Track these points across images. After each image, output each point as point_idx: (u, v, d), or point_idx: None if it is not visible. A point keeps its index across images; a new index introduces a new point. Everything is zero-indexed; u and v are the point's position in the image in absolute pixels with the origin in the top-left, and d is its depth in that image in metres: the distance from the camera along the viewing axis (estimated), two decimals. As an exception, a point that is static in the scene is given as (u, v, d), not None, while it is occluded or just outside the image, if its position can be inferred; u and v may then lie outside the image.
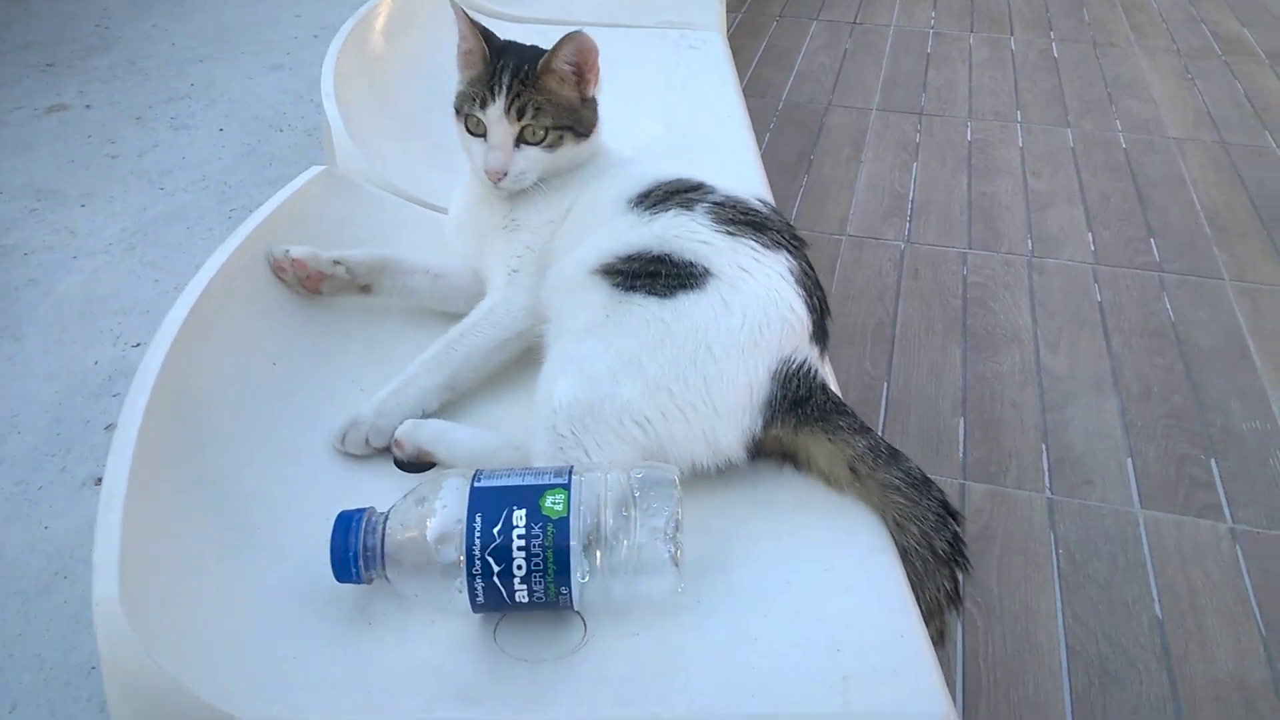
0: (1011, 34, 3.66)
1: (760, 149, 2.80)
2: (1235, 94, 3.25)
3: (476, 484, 0.84)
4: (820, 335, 1.06)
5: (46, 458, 1.55)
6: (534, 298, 1.13)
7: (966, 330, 2.14)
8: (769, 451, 1.01)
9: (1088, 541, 1.64)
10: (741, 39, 3.51)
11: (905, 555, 0.93)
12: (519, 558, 0.81)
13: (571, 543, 0.81)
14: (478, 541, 0.81)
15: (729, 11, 3.06)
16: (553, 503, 0.83)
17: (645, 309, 1.00)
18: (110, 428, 1.58)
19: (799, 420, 1.00)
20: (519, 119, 1.12)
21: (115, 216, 2.08)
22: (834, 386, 1.07)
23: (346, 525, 0.84)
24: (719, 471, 0.99)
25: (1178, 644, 1.47)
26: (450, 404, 1.10)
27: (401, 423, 1.04)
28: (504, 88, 1.12)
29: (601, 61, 1.18)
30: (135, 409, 0.88)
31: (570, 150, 1.16)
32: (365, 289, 1.18)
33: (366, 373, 1.13)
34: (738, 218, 1.08)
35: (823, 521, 0.96)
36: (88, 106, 2.51)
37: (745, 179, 1.50)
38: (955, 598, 0.94)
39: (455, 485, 0.85)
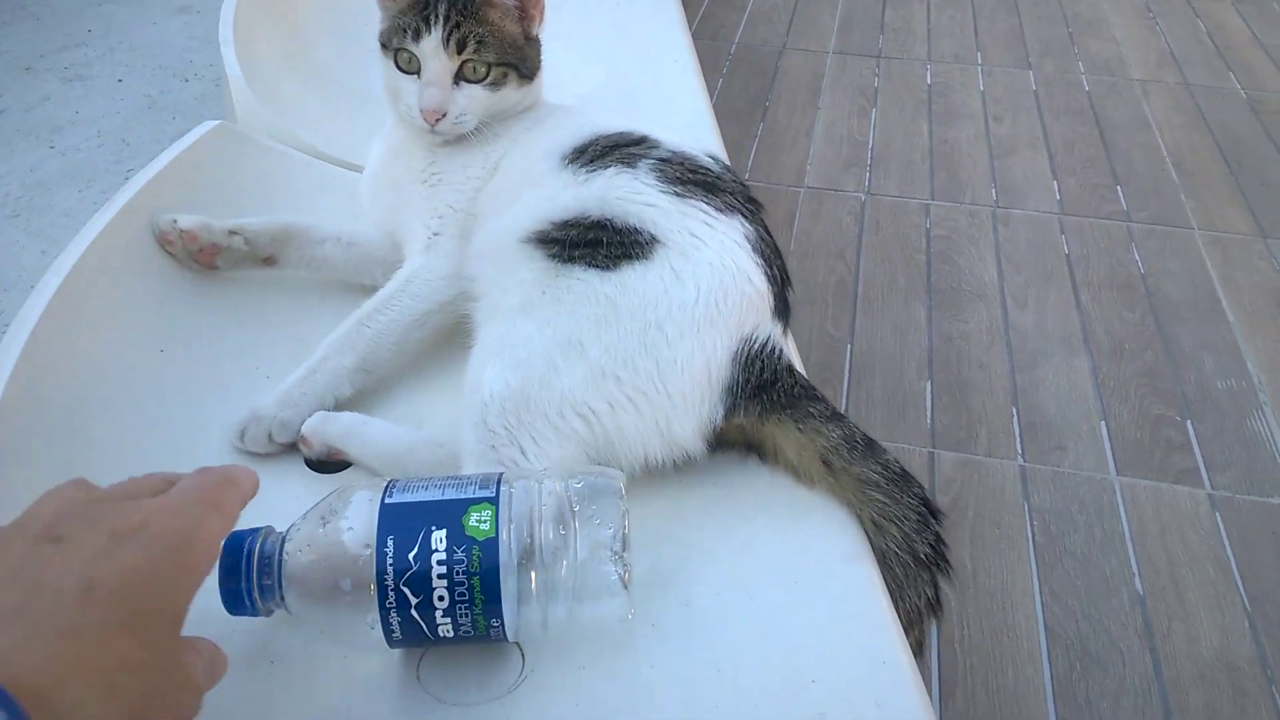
0: (969, -28, 3.53)
1: (712, 97, 2.66)
2: (1197, 33, 3.16)
3: (388, 499, 0.71)
4: (782, 310, 0.94)
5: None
6: (458, 264, 0.99)
7: (931, 287, 2.04)
8: (731, 442, 0.90)
9: (1063, 512, 1.55)
10: (690, -22, 3.34)
11: (883, 560, 0.82)
12: (440, 587, 0.68)
13: (501, 567, 0.68)
14: (390, 570, 0.68)
15: (677, -51, 2.89)
16: (478, 520, 0.69)
17: (586, 283, 0.86)
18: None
19: (764, 407, 0.88)
20: (459, 52, 0.98)
21: None
22: (799, 365, 0.95)
23: (237, 549, 0.71)
24: (675, 467, 0.87)
25: (1160, 621, 1.40)
26: (368, 391, 0.96)
27: (310, 415, 0.91)
28: (440, 17, 0.98)
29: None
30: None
31: (513, 93, 1.03)
32: (268, 261, 1.04)
33: (272, 358, 0.99)
34: (687, 176, 0.95)
35: (790, 525, 0.84)
36: None
37: (695, 131, 1.36)
38: (936, 605, 0.84)
39: (364, 500, 0.71)
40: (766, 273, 0.92)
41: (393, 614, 0.68)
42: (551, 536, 0.70)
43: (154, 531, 0.53)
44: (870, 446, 0.87)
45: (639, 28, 1.70)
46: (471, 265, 0.99)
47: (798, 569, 0.80)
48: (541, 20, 1.06)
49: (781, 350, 0.91)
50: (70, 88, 2.14)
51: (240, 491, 0.62)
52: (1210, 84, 2.86)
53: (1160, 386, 1.81)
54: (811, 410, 0.88)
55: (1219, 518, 1.55)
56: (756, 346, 0.88)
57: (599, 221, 0.89)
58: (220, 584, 0.70)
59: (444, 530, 0.69)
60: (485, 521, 0.69)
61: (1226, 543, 1.51)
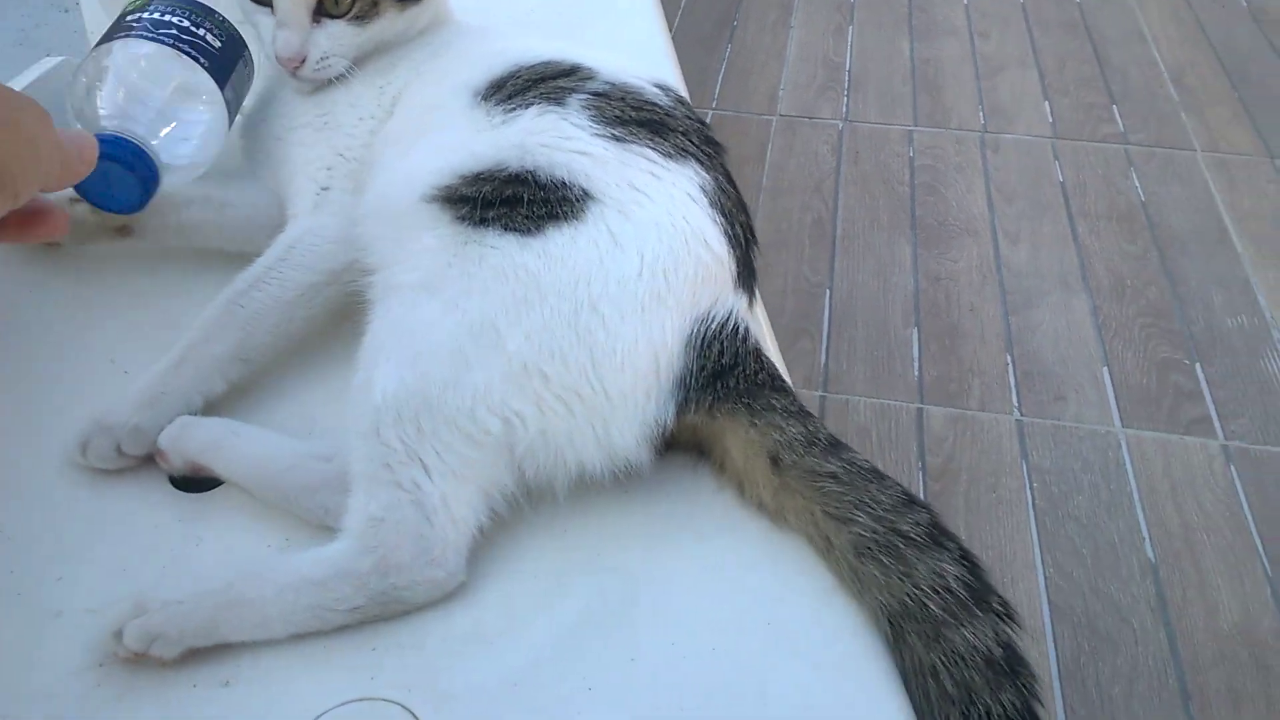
0: (949, -125, 3.29)
1: (674, 19, 2.45)
2: (1193, -63, 2.95)
3: None
4: (746, 278, 0.77)
5: None
6: (350, 224, 0.81)
7: (916, 222, 1.87)
8: (681, 442, 0.74)
9: (1065, 471, 1.42)
10: (650, -112, 3.08)
11: (859, 552, 0.65)
12: None
13: None
14: None
15: None
16: None
17: (502, 252, 0.69)
18: None
19: (717, 396, 0.71)
20: None
21: None
22: (771, 348, 0.79)
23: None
24: (615, 478, 0.71)
25: (1174, 592, 1.27)
26: (246, 387, 0.79)
27: (172, 420, 0.74)
28: None
29: None
30: None
31: (391, 22, 0.85)
32: (122, 231, 0.86)
33: (130, 351, 0.82)
34: (628, 115, 0.77)
35: (759, 549, 0.69)
36: None
37: (647, 55, 1.18)
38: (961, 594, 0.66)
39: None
40: (727, 232, 0.75)
41: None
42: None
43: None
44: (835, 445, 0.71)
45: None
46: (364, 229, 0.81)
47: (770, 607, 0.65)
48: None
49: (746, 329, 0.74)
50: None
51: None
52: (1209, -8, 2.67)
53: (1166, 327, 1.66)
54: (774, 402, 0.72)
55: (1234, 471, 1.42)
56: (714, 326, 0.72)
57: (518, 175, 0.72)
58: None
59: None
60: None
61: (1244, 500, 1.38)
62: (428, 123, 0.81)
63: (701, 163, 0.77)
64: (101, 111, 0.71)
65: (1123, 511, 1.36)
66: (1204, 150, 2.07)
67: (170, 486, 0.74)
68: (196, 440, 0.73)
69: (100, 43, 0.75)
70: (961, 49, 2.40)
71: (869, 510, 0.66)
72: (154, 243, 0.86)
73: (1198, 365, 1.59)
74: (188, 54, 0.75)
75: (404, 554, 0.65)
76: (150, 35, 0.74)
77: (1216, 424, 1.49)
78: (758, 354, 0.75)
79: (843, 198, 1.93)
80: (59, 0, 1.92)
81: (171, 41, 0.75)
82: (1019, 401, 1.52)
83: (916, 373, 1.57)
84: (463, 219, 0.71)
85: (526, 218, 0.70)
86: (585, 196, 0.71)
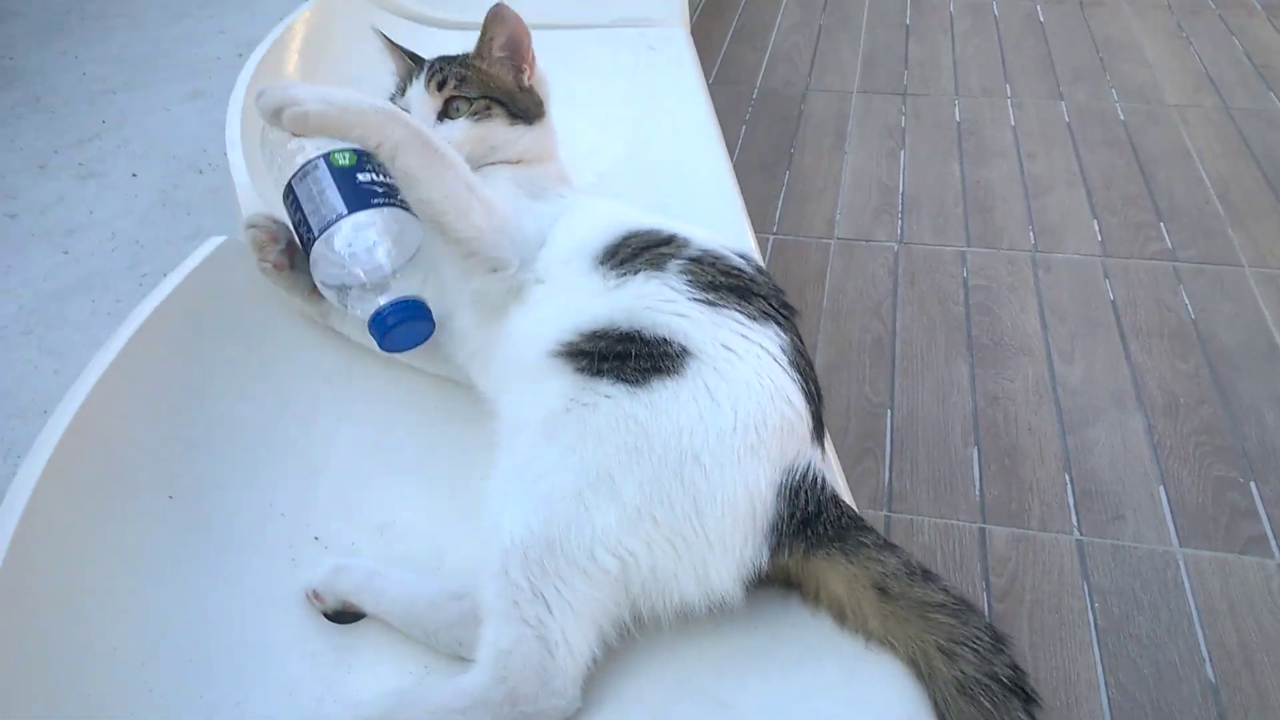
0: (993, -2, 3.46)
1: (735, 146, 2.61)
2: (1233, 51, 3.06)
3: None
4: (819, 431, 0.88)
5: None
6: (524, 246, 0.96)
7: (972, 342, 1.96)
8: (770, 578, 0.83)
9: (1125, 591, 1.47)
10: (709, 21, 3.30)
11: (963, 690, 0.74)
12: None
13: None
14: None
15: (693, -9, 2.86)
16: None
17: (615, 402, 0.81)
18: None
19: (809, 543, 0.82)
20: (439, 90, 1.02)
21: (12, 292, 1.85)
22: (844, 492, 0.89)
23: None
24: (709, 613, 0.80)
25: (1236, 714, 1.31)
26: (383, 525, 0.92)
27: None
28: (427, 67, 1.05)
29: (551, 69, 1.11)
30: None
31: (504, 128, 1.04)
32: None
33: (292, 497, 0.94)
34: (719, 281, 0.90)
35: (842, 679, 0.78)
36: None
37: (719, 208, 1.32)
38: None
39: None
40: (804, 389, 0.86)
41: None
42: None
43: None
44: (927, 573, 0.81)
45: (657, 94, 1.65)
46: (494, 377, 0.94)
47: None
48: (533, 71, 1.08)
49: (824, 478, 0.85)
50: (84, 185, 2.11)
51: None
52: (1250, 106, 2.77)
53: (1220, 444, 1.72)
54: (863, 540, 0.83)
55: (1292, 591, 1.46)
56: (799, 476, 0.83)
57: (628, 333, 0.85)
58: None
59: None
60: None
61: (1303, 621, 1.42)
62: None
63: (780, 325, 0.89)
64: (361, 275, 0.90)
65: (1182, 632, 1.41)
66: (1251, 266, 2.14)
67: (324, 620, 0.85)
68: (348, 583, 0.85)
69: (305, 219, 0.91)
70: (1010, 170, 2.52)
71: (972, 647, 0.75)
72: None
73: (1252, 483, 1.64)
74: (388, 204, 0.91)
75: (530, 685, 0.75)
76: (362, 205, 0.90)
77: (1273, 543, 1.54)
78: (835, 499, 0.85)
79: (900, 319, 2.03)
80: (193, 162, 2.14)
81: (381, 202, 0.90)
82: (1078, 521, 1.58)
83: (978, 492, 1.64)
84: (582, 370, 0.84)
85: (635, 370, 0.82)
86: (684, 353, 0.82)
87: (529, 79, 1.08)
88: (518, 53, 1.07)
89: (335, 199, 0.88)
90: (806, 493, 0.82)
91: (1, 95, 2.46)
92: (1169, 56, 3.04)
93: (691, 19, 1.91)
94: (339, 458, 0.99)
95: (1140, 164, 2.52)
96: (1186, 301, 2.05)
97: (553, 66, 1.13)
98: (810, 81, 2.96)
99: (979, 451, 1.72)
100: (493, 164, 1.03)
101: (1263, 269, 2.14)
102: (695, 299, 0.87)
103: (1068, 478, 1.66)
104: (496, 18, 1.04)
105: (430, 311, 0.91)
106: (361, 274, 0.89)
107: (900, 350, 1.95)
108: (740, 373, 0.83)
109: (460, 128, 1.01)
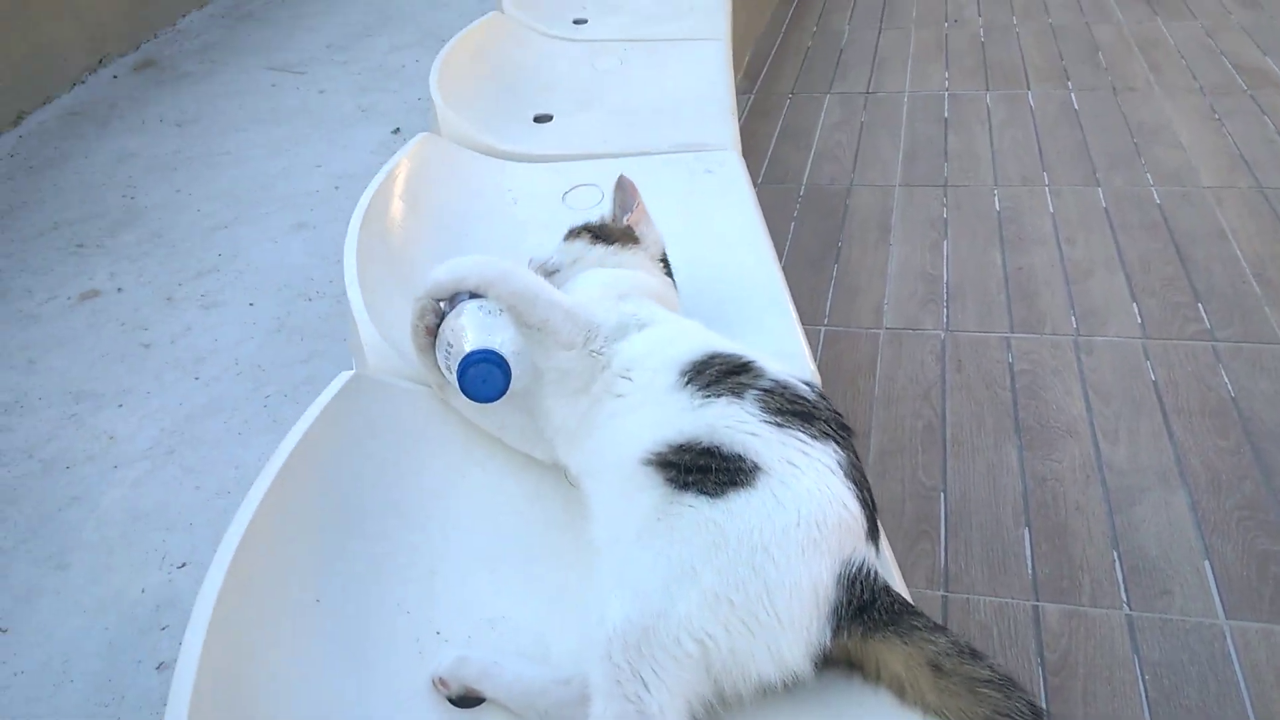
0: (1028, 88, 3.62)
1: (785, 243, 2.78)
2: (1266, 131, 3.17)
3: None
4: (873, 532, 1.02)
5: (100, 708, 1.51)
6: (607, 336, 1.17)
7: (1019, 425, 2.08)
8: (834, 660, 0.96)
9: (1174, 663, 1.56)
10: (755, 122, 3.50)
11: None
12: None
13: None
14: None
15: (740, 94, 3.06)
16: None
17: (697, 510, 0.96)
18: (162, 667, 1.57)
19: (867, 627, 0.95)
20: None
21: (152, 415, 2.06)
22: (898, 583, 1.01)
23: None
24: (784, 687, 0.93)
25: (1286, 780, 1.39)
26: (495, 619, 1.06)
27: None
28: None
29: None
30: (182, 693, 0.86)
31: (586, 245, 1.34)
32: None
33: (428, 607, 1.09)
34: (786, 407, 1.04)
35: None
36: (119, 290, 2.50)
37: (772, 314, 1.46)
38: None
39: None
40: (859, 497, 1.00)
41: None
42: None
43: None
44: (975, 652, 0.93)
45: (715, 213, 1.80)
46: (592, 477, 1.10)
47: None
48: (635, 216, 1.40)
49: (877, 571, 0.98)
50: (208, 315, 2.34)
51: None
52: (1284, 185, 2.87)
53: (1263, 519, 1.80)
54: (915, 624, 0.95)
55: (1338, 661, 1.54)
56: (855, 568, 0.96)
57: (708, 449, 1.00)
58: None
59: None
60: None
61: (1349, 690, 1.49)
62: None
63: (838, 443, 1.03)
64: (466, 344, 1.12)
65: (1231, 702, 1.49)
66: (1289, 343, 2.23)
67: (449, 705, 1.00)
68: (469, 671, 1.00)
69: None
70: (1050, 256, 2.65)
71: (1014, 718, 0.88)
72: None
73: (1296, 557, 1.72)
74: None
75: (635, 757, 0.88)
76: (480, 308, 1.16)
77: (1318, 614, 1.61)
78: (887, 589, 0.98)
79: (950, 404, 2.16)
80: (303, 290, 2.37)
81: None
82: (1127, 596, 1.68)
83: (1030, 571, 1.74)
84: (670, 481, 0.99)
85: (714, 483, 0.97)
86: (755, 469, 0.97)
87: (628, 220, 1.38)
88: (622, 204, 1.41)
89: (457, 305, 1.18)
90: (862, 583, 0.96)
91: (127, 232, 2.73)
92: (1203, 139, 3.16)
93: (740, 120, 2.09)
94: (453, 561, 1.14)
95: (1177, 246, 2.63)
96: (1226, 380, 2.15)
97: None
98: (854, 177, 3.13)
99: (1030, 531, 1.82)
100: (585, 267, 1.30)
101: (1300, 346, 2.23)
102: (766, 421, 1.02)
103: (1116, 554, 1.75)
104: (618, 184, 1.42)
105: (506, 362, 1.11)
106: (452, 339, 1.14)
107: (951, 435, 2.07)
108: (803, 483, 0.97)
109: (556, 244, 1.34)
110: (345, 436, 1.19)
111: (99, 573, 1.69)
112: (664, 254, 1.40)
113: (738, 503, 0.95)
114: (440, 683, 1.00)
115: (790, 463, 0.99)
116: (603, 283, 1.25)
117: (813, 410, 1.05)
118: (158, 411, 2.06)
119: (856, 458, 1.04)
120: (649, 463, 1.02)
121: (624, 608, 0.92)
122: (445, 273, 1.18)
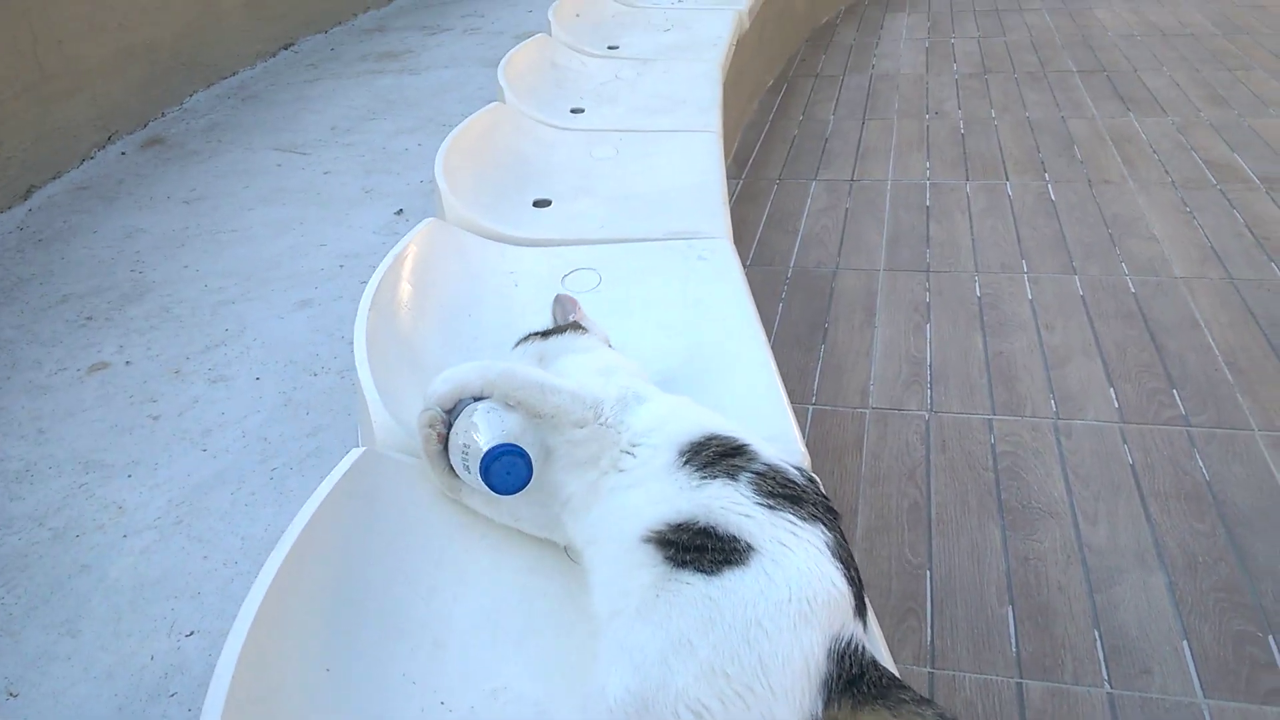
0: (1006, 179, 3.76)
1: (773, 323, 2.87)
2: (1235, 224, 3.31)
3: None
4: (861, 609, 1.07)
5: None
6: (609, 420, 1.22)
7: (1002, 505, 2.14)
8: (828, 734, 1.01)
9: (1155, 741, 1.59)
10: (744, 206, 3.62)
11: None
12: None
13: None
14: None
15: (729, 178, 3.17)
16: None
17: (694, 587, 1.01)
18: (169, 736, 1.59)
19: (856, 700, 0.99)
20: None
21: (161, 486, 2.09)
22: (886, 658, 1.06)
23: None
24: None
25: None
26: (498, 690, 1.09)
27: None
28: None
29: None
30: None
31: (553, 341, 1.46)
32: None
33: (439, 680, 1.13)
34: (777, 490, 1.10)
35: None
36: (127, 363, 2.55)
37: (762, 394, 1.53)
38: None
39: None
40: (846, 575, 1.06)
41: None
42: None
43: None
44: None
45: (708, 299, 1.88)
46: (593, 548, 1.15)
47: None
48: (579, 315, 1.50)
49: (864, 646, 1.03)
50: (215, 389, 2.39)
51: None
52: (1253, 276, 2.98)
53: (1239, 600, 1.85)
54: (903, 696, 1.00)
55: (1314, 741, 1.58)
56: (844, 643, 1.01)
57: (705, 528, 1.05)
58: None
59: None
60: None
61: (1324, 769, 1.53)
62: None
63: (825, 525, 1.09)
64: (483, 443, 1.17)
65: (1211, 780, 1.53)
66: (1261, 430, 2.31)
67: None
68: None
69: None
70: (1030, 341, 2.74)
71: None
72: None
73: (1270, 637, 1.77)
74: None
75: (634, 821, 0.92)
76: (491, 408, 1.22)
77: (1293, 694, 1.66)
78: (875, 663, 1.03)
79: (934, 484, 2.22)
80: (307, 366, 2.43)
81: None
82: (1108, 675, 1.72)
83: (1014, 648, 1.78)
84: (669, 559, 1.04)
85: (710, 562, 1.02)
86: (749, 549, 1.03)
87: (573, 319, 1.48)
88: (562, 316, 1.50)
89: (462, 409, 1.22)
90: (851, 657, 1.00)
91: (137, 306, 2.79)
92: (1175, 231, 3.29)
93: (729, 204, 2.19)
94: (458, 633, 1.18)
95: (1152, 334, 2.73)
96: (1201, 465, 2.22)
97: (619, 275, 1.54)
98: (840, 261, 3.24)
99: (1013, 609, 1.87)
100: (554, 358, 1.37)
101: (1272, 432, 2.30)
102: (759, 504, 1.08)
103: (1097, 633, 1.80)
104: (556, 300, 1.51)
105: (526, 453, 1.15)
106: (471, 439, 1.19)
107: (935, 514, 2.12)
108: (794, 561, 1.03)
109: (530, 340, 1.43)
110: (355, 511, 1.24)
111: (108, 640, 1.71)
112: (609, 343, 1.49)
113: (732, 580, 1.01)
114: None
115: (781, 543, 1.04)
116: (581, 366, 1.33)
117: (802, 494, 1.11)
118: (166, 482, 2.09)
119: (843, 538, 1.10)
120: (649, 540, 1.07)
121: (624, 680, 0.97)
122: (447, 383, 1.26)
